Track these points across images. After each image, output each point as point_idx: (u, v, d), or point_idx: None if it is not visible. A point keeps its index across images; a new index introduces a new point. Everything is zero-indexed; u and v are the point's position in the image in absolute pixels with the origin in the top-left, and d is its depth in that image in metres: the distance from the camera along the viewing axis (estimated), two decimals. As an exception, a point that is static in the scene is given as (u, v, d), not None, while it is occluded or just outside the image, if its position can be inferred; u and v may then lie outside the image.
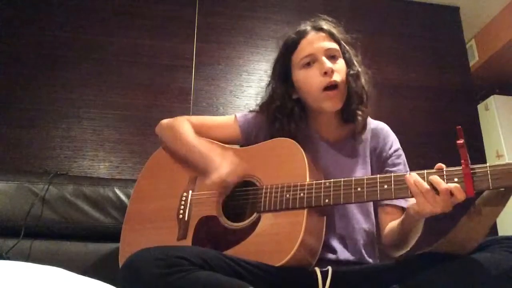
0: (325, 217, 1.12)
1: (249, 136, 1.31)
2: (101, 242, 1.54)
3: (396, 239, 1.15)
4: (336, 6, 2.59)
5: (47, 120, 2.07)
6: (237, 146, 1.32)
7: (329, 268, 1.04)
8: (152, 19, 2.35)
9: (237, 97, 2.32)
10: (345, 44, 1.26)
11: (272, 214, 1.08)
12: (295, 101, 1.26)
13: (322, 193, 1.05)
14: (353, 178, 1.04)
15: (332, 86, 1.18)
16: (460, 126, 0.90)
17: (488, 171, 0.88)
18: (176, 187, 1.26)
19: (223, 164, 1.13)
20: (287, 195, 1.08)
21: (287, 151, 1.16)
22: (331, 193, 1.04)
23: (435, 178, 0.91)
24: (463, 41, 2.74)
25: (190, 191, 1.23)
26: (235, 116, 1.34)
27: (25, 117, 2.05)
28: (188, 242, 1.14)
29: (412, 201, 0.97)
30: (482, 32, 2.99)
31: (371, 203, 1.26)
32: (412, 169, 1.05)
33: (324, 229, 1.11)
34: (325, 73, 1.17)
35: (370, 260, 1.20)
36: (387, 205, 1.21)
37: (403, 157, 1.28)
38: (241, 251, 1.04)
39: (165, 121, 1.38)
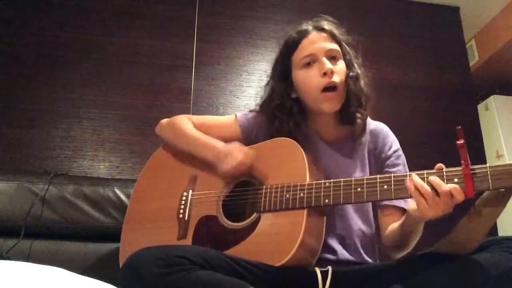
0: (325, 217, 1.12)
1: (249, 135, 1.31)
2: (101, 242, 1.54)
3: (397, 240, 1.15)
4: (336, 6, 2.59)
5: (47, 120, 2.07)
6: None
7: (329, 268, 1.04)
8: (152, 19, 2.35)
9: (237, 97, 2.32)
10: (346, 46, 1.26)
11: (272, 214, 1.08)
12: (294, 100, 1.26)
13: (322, 193, 1.05)
14: (353, 178, 1.04)
15: (331, 87, 1.18)
16: (460, 127, 0.90)
17: (488, 172, 0.88)
18: (176, 186, 1.26)
19: (233, 149, 1.16)
20: (287, 195, 1.08)
21: (287, 150, 1.16)
22: (331, 193, 1.04)
23: (435, 180, 0.91)
24: (463, 41, 2.74)
25: (190, 191, 1.23)
26: (236, 115, 1.34)
27: (25, 117, 2.05)
28: (188, 241, 1.14)
29: (412, 201, 0.96)
30: (482, 32, 2.99)
31: (370, 205, 1.26)
32: (412, 169, 1.05)
33: (324, 229, 1.11)
34: (325, 73, 1.17)
35: (370, 261, 1.20)
36: (386, 206, 1.21)
37: (403, 157, 1.28)
38: (241, 251, 1.04)
39: (165, 120, 1.39)
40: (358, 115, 1.22)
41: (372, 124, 1.32)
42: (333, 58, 1.21)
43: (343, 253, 1.15)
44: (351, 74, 1.22)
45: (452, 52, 2.69)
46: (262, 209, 1.10)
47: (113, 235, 1.39)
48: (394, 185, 0.98)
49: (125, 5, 2.35)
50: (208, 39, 2.39)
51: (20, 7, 2.22)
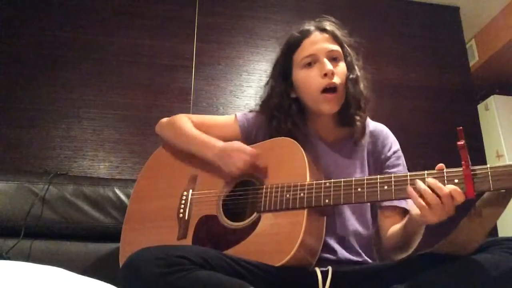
0: (325, 217, 1.12)
1: (249, 135, 1.31)
2: (101, 242, 1.54)
3: (399, 242, 1.14)
4: (336, 6, 2.59)
5: (47, 120, 2.07)
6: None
7: (329, 268, 1.04)
8: (152, 19, 2.35)
9: (237, 97, 2.32)
10: (347, 47, 1.26)
11: (272, 214, 1.08)
12: (293, 100, 1.26)
13: (322, 193, 1.05)
14: (353, 179, 1.03)
15: (331, 89, 1.18)
16: (461, 127, 0.90)
17: (489, 173, 0.87)
18: (176, 186, 1.26)
19: (236, 149, 1.16)
20: (287, 195, 1.08)
21: (287, 150, 1.16)
22: (331, 193, 1.04)
23: (435, 183, 0.90)
24: (463, 41, 2.75)
25: (190, 190, 1.23)
26: (235, 115, 1.34)
27: (25, 117, 2.05)
28: (188, 241, 1.14)
29: (412, 202, 0.96)
30: (482, 32, 2.99)
31: (368, 207, 1.25)
32: (412, 169, 1.04)
33: (324, 229, 1.11)
34: (325, 74, 1.17)
35: (370, 261, 1.20)
36: (386, 208, 1.21)
37: (403, 158, 1.28)
38: (241, 250, 1.04)
39: (164, 120, 1.39)
40: (357, 117, 1.22)
41: (372, 125, 1.32)
42: (334, 59, 1.21)
43: (343, 253, 1.15)
44: (351, 76, 1.22)
45: (452, 52, 2.69)
46: (262, 209, 1.10)
47: (113, 235, 1.39)
48: (395, 185, 0.98)
49: (125, 5, 2.35)
50: (208, 39, 2.39)
51: (20, 7, 2.22)
